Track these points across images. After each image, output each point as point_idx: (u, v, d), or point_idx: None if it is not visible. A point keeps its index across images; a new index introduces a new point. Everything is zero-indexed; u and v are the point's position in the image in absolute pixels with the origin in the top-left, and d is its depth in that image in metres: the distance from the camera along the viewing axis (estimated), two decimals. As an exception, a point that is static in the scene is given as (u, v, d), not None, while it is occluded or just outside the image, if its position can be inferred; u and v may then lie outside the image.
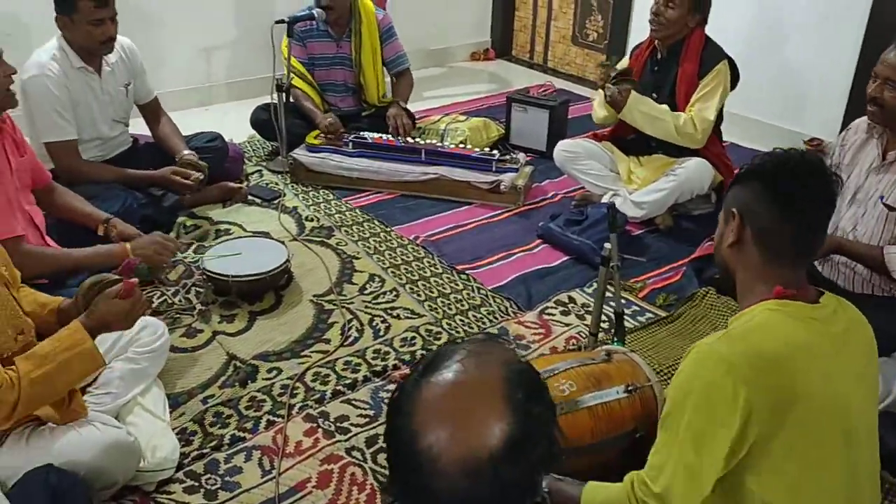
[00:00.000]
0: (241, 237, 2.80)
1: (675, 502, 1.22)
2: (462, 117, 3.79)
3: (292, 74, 3.41)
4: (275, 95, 3.27)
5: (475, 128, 3.63)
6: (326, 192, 3.26)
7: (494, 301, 2.50)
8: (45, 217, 2.37)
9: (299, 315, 2.40)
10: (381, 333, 2.32)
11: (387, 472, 1.43)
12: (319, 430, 1.93)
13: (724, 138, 3.17)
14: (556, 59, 5.21)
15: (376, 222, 3.01)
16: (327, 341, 2.28)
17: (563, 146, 3.13)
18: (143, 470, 1.71)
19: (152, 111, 3.05)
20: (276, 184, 3.31)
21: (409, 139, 3.35)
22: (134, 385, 1.92)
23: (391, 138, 3.35)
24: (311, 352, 2.23)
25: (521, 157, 3.30)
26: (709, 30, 2.88)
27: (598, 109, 3.10)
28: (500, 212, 3.12)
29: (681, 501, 1.21)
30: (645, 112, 2.86)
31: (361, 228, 2.96)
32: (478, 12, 5.36)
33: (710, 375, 1.19)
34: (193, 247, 2.74)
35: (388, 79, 3.71)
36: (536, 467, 0.82)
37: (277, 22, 3.30)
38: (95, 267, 2.14)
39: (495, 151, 3.28)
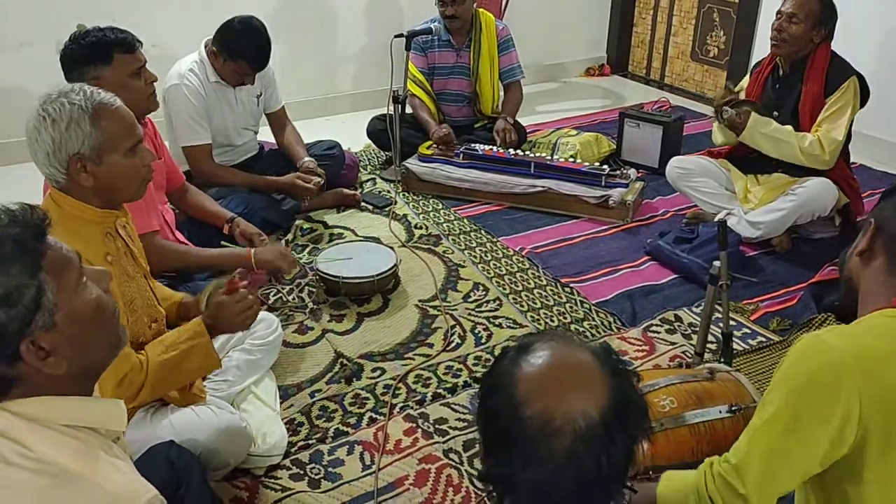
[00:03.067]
0: (352, 241, 2.91)
1: (750, 478, 1.15)
2: (573, 132, 3.79)
3: (411, 82, 3.53)
4: (391, 107, 3.39)
5: (586, 142, 3.62)
6: (436, 201, 3.34)
7: (598, 315, 2.48)
8: (176, 214, 2.56)
9: (404, 318, 2.47)
10: (483, 341, 2.35)
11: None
12: (419, 430, 1.98)
13: (853, 159, 3.02)
14: (673, 75, 5.11)
15: (483, 232, 3.05)
16: (430, 345, 2.34)
17: (676, 162, 3.07)
18: (254, 454, 1.81)
19: (279, 120, 3.23)
20: (389, 192, 3.42)
21: (518, 152, 3.38)
22: (249, 374, 2.04)
23: (501, 150, 3.39)
24: (415, 354, 2.29)
25: (632, 172, 3.26)
26: (835, 44, 2.75)
27: (717, 133, 3.02)
28: (607, 227, 3.09)
29: (755, 479, 1.14)
30: (766, 134, 2.76)
31: (468, 238, 3.01)
32: (594, 28, 5.34)
33: (813, 365, 1.12)
34: (308, 249, 2.88)
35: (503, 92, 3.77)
36: (635, 435, 0.85)
37: (397, 36, 3.42)
38: (221, 266, 2.30)
39: (605, 166, 3.25)
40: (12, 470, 0.94)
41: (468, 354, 2.29)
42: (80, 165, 1.55)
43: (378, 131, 3.64)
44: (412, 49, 3.52)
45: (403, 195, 3.39)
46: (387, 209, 3.25)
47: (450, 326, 2.42)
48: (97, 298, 1.06)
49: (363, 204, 3.29)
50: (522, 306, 2.54)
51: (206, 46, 2.88)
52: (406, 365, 2.24)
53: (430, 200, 3.35)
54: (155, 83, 2.30)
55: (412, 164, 3.43)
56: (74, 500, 0.94)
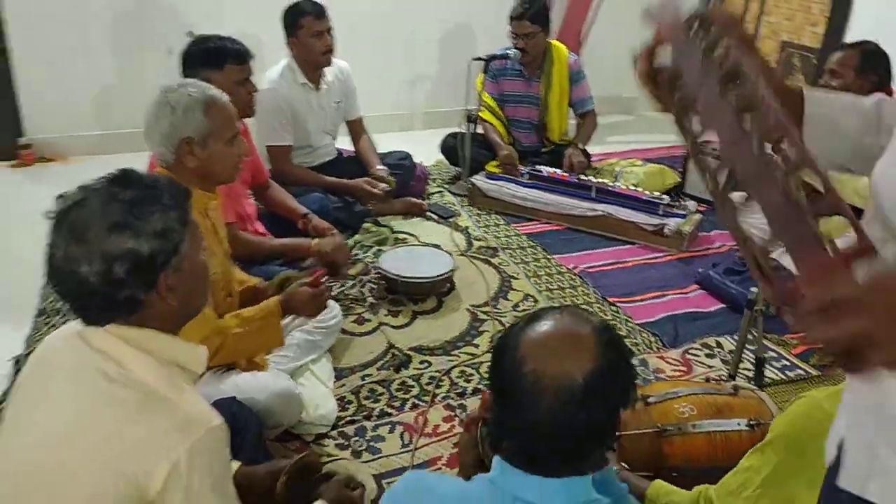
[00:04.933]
0: (415, 245, 3.09)
1: None
2: (639, 162, 3.89)
3: (483, 108, 3.71)
4: (464, 125, 3.58)
5: (651, 173, 3.72)
6: (497, 217, 3.50)
7: (640, 335, 2.58)
8: (258, 207, 2.80)
9: (455, 319, 2.63)
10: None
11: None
12: (456, 418, 2.12)
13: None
14: (748, 116, 5.13)
15: (539, 249, 3.19)
16: (476, 346, 2.48)
17: (738, 197, 3.13)
18: (305, 421, 2.00)
19: (356, 128, 3.47)
20: (454, 205, 3.60)
21: (582, 176, 3.51)
22: (308, 353, 2.24)
23: (564, 173, 3.52)
24: (461, 352, 2.44)
25: (692, 204, 3.35)
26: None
27: None
28: (661, 254, 3.18)
29: None
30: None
31: (524, 253, 3.15)
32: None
33: (805, 435, 1.20)
34: (373, 249, 3.08)
35: (572, 120, 3.90)
36: (616, 407, 0.99)
37: (475, 59, 3.62)
38: (287, 254, 2.53)
39: (665, 196, 3.35)
40: (112, 385, 1.14)
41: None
42: (188, 148, 1.78)
43: (450, 147, 3.84)
44: (486, 76, 3.71)
45: (468, 209, 3.56)
46: (450, 220, 3.43)
47: (496, 330, 2.56)
48: (206, 260, 1.28)
49: (428, 213, 3.47)
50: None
51: (290, 52, 3.14)
52: (452, 361, 2.39)
53: (493, 216, 3.51)
54: (254, 93, 2.55)
55: (479, 180, 3.60)
56: (158, 416, 1.13)
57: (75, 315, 1.20)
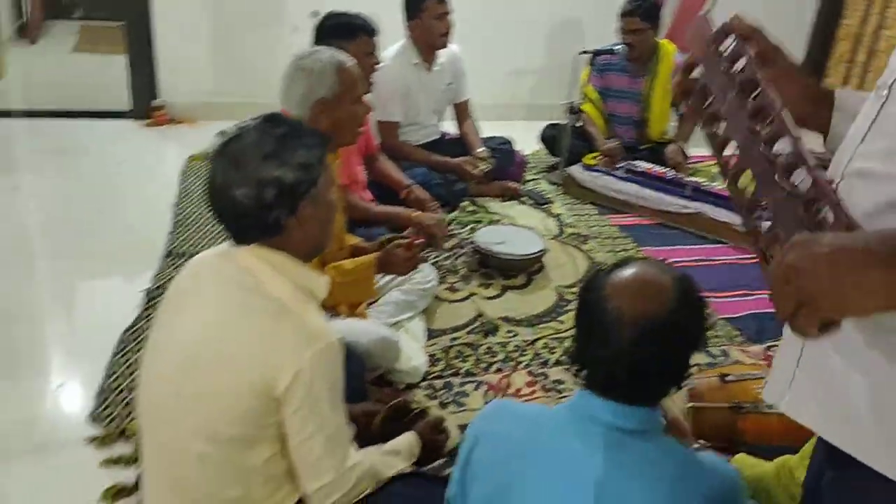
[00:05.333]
0: (509, 225, 3.22)
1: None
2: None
3: (586, 101, 3.80)
4: (566, 117, 3.68)
5: (748, 177, 3.71)
6: (591, 207, 3.59)
7: (723, 328, 2.63)
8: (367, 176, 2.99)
9: (543, 297, 2.75)
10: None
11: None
12: (538, 384, 2.25)
13: None
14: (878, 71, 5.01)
15: (629, 241, 3.26)
16: (561, 322, 2.60)
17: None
18: (398, 370, 2.17)
19: (462, 111, 3.62)
20: (549, 192, 3.71)
21: (679, 174, 3.55)
22: (404, 311, 2.41)
23: (661, 170, 3.58)
24: (546, 326, 2.57)
25: (788, 210, 3.33)
26: None
27: None
28: (752, 256, 3.19)
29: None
30: None
31: (614, 243, 3.24)
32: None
33: None
34: (469, 226, 3.22)
35: (672, 122, 3.94)
36: (688, 347, 1.10)
37: (581, 52, 3.71)
38: (389, 221, 2.71)
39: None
40: (251, 296, 1.33)
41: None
42: (321, 108, 1.97)
43: (550, 137, 3.95)
44: (592, 69, 3.79)
45: (562, 198, 3.67)
46: (544, 206, 3.54)
47: (582, 311, 2.67)
48: (335, 200, 1.45)
49: (523, 198, 3.60)
50: (653, 307, 2.73)
51: (408, 33, 3.32)
52: (536, 333, 2.52)
53: (586, 206, 3.60)
54: (377, 67, 2.73)
55: (575, 170, 3.70)
56: (288, 325, 1.31)
57: (228, 234, 1.39)
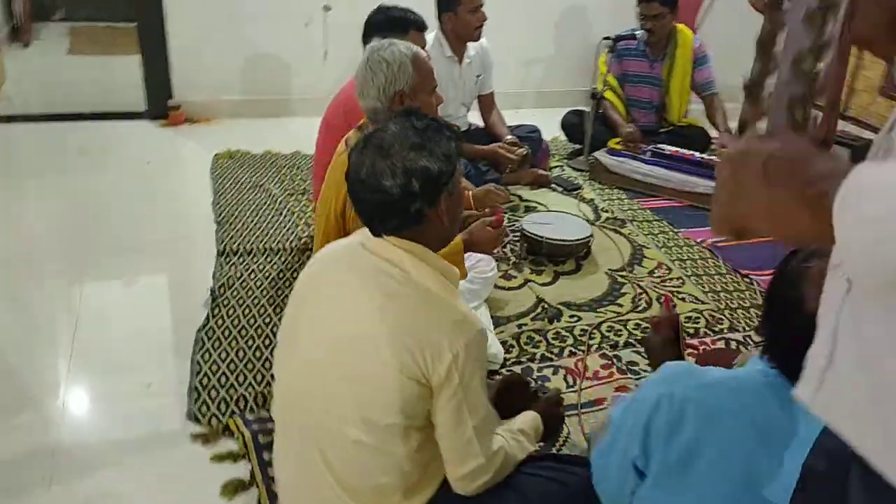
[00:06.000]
0: (554, 211, 3.25)
1: None
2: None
3: (602, 85, 3.85)
4: (588, 103, 3.72)
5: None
6: (619, 191, 3.64)
7: (776, 304, 2.70)
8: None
9: (596, 281, 2.79)
10: (673, 305, 2.63)
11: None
12: (614, 366, 2.29)
13: None
14: (858, 108, 5.14)
15: (665, 223, 3.32)
16: (620, 305, 2.65)
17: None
18: (481, 357, 2.19)
19: (488, 102, 3.65)
20: (576, 178, 3.75)
21: (705, 155, 3.62)
22: (469, 301, 2.43)
23: (688, 152, 3.64)
24: (606, 310, 2.61)
25: (815, 187, 3.42)
26: None
27: None
28: (785, 234, 3.28)
29: None
30: None
31: (651, 226, 3.29)
32: (779, 54, 5.45)
33: None
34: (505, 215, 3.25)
35: (692, 105, 4.01)
36: None
37: (605, 38, 3.76)
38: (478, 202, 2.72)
39: (790, 178, 3.44)
40: (396, 283, 1.35)
41: (654, 317, 2.57)
42: (400, 100, 1.98)
43: (571, 124, 4.00)
44: (609, 54, 3.84)
45: (590, 183, 3.71)
46: (575, 193, 3.59)
47: (637, 293, 2.72)
48: (463, 193, 1.47)
49: (553, 185, 3.64)
50: (704, 287, 2.80)
51: (440, 26, 3.33)
52: (599, 317, 2.56)
53: (614, 190, 3.65)
54: None
55: (601, 156, 3.75)
56: (438, 312, 1.33)
57: (368, 224, 1.40)
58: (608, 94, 3.89)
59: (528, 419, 1.64)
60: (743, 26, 4.68)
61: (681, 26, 3.88)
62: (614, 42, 3.76)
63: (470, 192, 2.76)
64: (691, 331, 2.51)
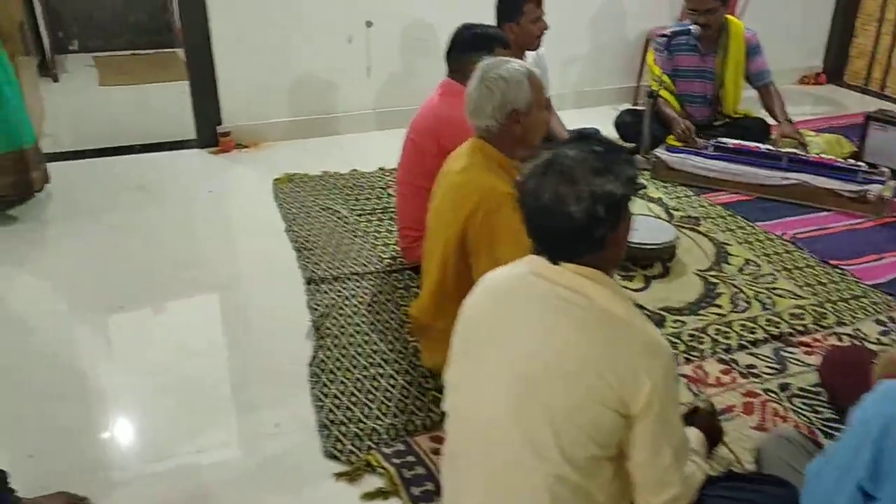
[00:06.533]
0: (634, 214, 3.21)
1: None
2: (812, 132, 3.95)
3: (653, 82, 3.82)
4: (641, 102, 3.69)
5: (829, 142, 3.78)
6: (684, 188, 3.61)
7: (876, 294, 2.68)
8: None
9: (688, 283, 2.76)
10: (769, 307, 2.61)
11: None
12: (734, 371, 2.27)
13: None
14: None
15: (739, 218, 3.29)
16: (719, 306, 2.62)
17: None
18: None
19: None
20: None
21: (769, 147, 3.59)
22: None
23: (753, 144, 3.61)
24: (707, 313, 2.58)
25: (886, 171, 3.40)
26: None
27: None
28: (861, 220, 3.25)
29: None
30: None
31: (726, 221, 3.26)
32: (812, 38, 5.42)
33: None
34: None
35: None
36: None
37: (660, 35, 3.73)
38: None
39: (862, 163, 3.41)
40: (585, 313, 1.32)
41: (757, 316, 2.55)
42: (515, 117, 1.96)
43: (626, 123, 3.96)
44: (657, 51, 3.82)
45: (651, 182, 3.68)
46: (640, 192, 3.55)
47: (733, 293, 2.69)
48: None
49: (618, 187, 3.60)
50: (797, 282, 2.77)
51: None
52: (702, 320, 2.53)
53: (678, 188, 3.62)
54: None
55: (662, 153, 3.72)
56: (635, 341, 1.30)
57: (547, 251, 1.38)
58: (662, 92, 3.86)
59: (693, 435, 1.61)
60: (782, 12, 4.65)
61: (731, 17, 3.85)
62: (669, 39, 3.73)
63: None
64: (801, 328, 2.48)
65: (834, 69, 5.45)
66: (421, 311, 2.17)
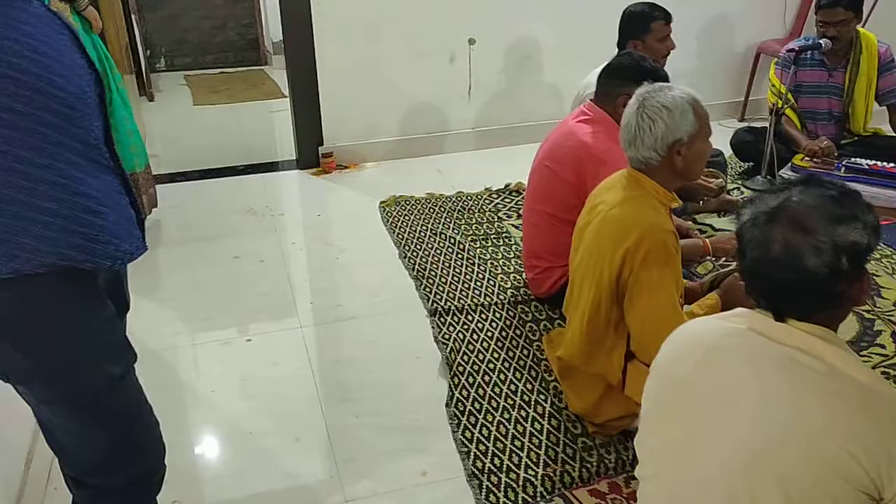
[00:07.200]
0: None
1: None
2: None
3: (774, 97, 3.61)
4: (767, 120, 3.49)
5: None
6: (814, 212, 3.38)
7: None
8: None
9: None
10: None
11: None
12: None
13: None
14: None
15: (883, 246, 3.06)
16: (882, 346, 2.41)
17: None
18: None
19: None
20: (760, 201, 3.51)
21: (916, 170, 3.35)
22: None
23: (890, 165, 3.37)
24: (870, 353, 2.37)
25: None
26: None
27: None
28: None
29: None
30: None
31: (868, 250, 3.03)
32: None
33: None
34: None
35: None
36: None
37: (788, 51, 3.52)
38: (690, 255, 2.56)
39: None
40: (827, 381, 1.16)
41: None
42: (678, 149, 1.82)
43: (744, 142, 3.76)
44: (782, 66, 3.61)
45: (778, 205, 3.47)
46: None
47: (893, 330, 2.47)
48: None
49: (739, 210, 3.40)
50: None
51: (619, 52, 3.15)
52: (867, 360, 2.32)
53: (808, 211, 3.39)
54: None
55: (788, 173, 3.50)
56: (877, 409, 1.14)
57: (771, 307, 1.23)
58: (786, 110, 3.64)
59: None
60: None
61: (863, 30, 3.61)
62: (797, 53, 3.52)
63: (709, 241, 2.59)
64: (980, 374, 2.26)
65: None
66: (570, 354, 2.04)
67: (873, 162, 3.41)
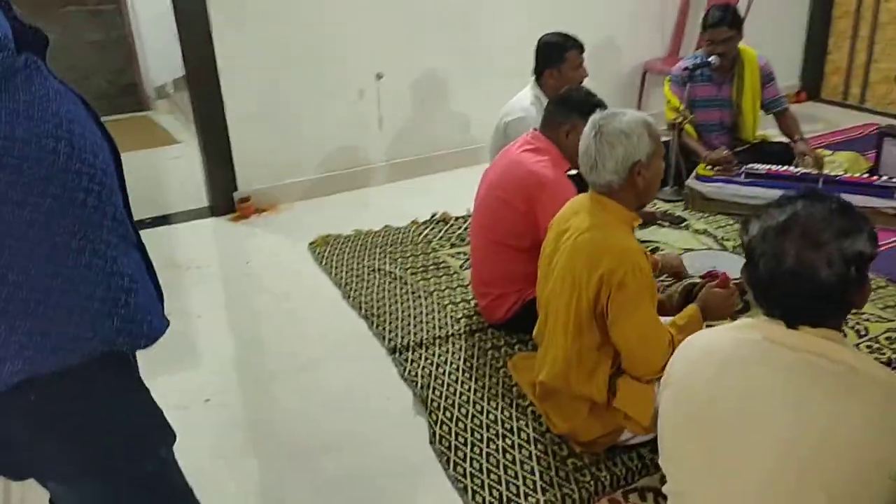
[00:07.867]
0: (702, 250, 3.23)
1: None
2: (828, 151, 4.04)
3: (671, 112, 3.86)
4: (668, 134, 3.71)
5: (850, 160, 3.88)
6: (723, 217, 3.62)
7: (954, 308, 2.71)
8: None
9: (773, 315, 2.74)
10: (863, 334, 2.61)
11: None
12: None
13: None
14: (875, 98, 5.33)
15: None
16: (815, 336, 2.60)
17: None
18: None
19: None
20: (672, 211, 3.72)
21: (800, 169, 3.65)
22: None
23: (786, 168, 3.66)
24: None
25: (915, 184, 3.49)
26: None
27: None
28: (900, 235, 3.33)
29: None
30: None
31: (778, 247, 3.27)
32: (787, 58, 5.59)
33: None
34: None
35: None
36: None
37: (683, 69, 3.77)
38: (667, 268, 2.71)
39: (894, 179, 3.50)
40: (850, 382, 1.25)
41: (856, 344, 2.55)
42: (638, 170, 1.91)
43: (650, 157, 3.98)
44: (676, 83, 3.86)
45: (689, 213, 3.69)
46: (682, 225, 3.55)
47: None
48: None
49: (659, 221, 3.60)
50: (878, 304, 2.78)
51: (536, 80, 3.26)
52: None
53: (717, 217, 3.63)
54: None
55: (695, 183, 3.73)
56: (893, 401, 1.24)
57: (784, 315, 1.31)
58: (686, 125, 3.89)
59: None
60: (756, 33, 4.69)
61: (744, 46, 3.93)
62: (690, 71, 3.77)
63: (657, 256, 2.71)
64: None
65: (811, 86, 5.64)
66: (552, 377, 2.07)
67: (768, 167, 3.69)
